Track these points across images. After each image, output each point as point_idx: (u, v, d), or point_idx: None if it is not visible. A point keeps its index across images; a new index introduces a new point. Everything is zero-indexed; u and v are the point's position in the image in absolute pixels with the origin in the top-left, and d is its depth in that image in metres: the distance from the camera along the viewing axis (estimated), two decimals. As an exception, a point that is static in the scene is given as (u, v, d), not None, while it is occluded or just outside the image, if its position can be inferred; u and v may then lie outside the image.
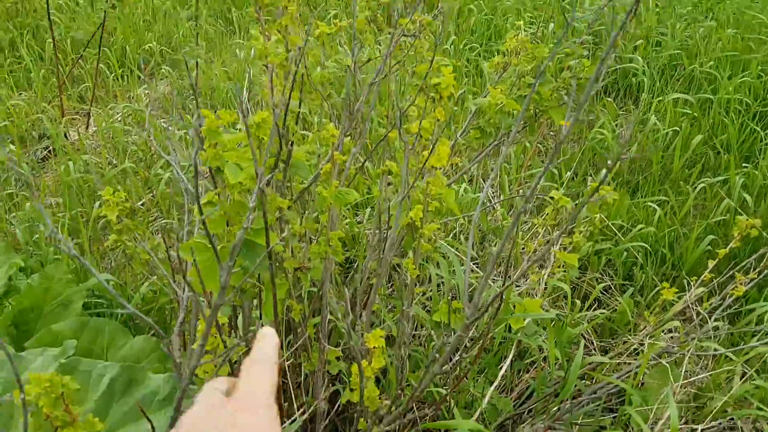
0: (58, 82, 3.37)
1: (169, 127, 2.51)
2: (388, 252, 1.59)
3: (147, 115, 1.74)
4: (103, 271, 1.96)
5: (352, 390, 1.18)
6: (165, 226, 2.41)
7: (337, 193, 1.27)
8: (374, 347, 1.09)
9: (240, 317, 1.57)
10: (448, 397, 1.55)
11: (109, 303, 1.94)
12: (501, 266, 2.32)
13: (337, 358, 1.58)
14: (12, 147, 2.94)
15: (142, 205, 2.62)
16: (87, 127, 3.33)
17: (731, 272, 1.76)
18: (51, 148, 3.13)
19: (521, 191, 2.80)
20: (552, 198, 1.73)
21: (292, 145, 1.35)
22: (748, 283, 1.70)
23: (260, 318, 1.38)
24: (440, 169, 1.40)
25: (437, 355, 1.26)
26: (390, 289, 2.17)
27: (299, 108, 1.30)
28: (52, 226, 0.75)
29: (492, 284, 1.90)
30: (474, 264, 2.33)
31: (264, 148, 1.20)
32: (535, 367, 2.04)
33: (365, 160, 1.43)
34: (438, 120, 1.40)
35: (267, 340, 0.56)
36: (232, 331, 1.50)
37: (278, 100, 1.12)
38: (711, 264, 1.75)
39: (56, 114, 3.30)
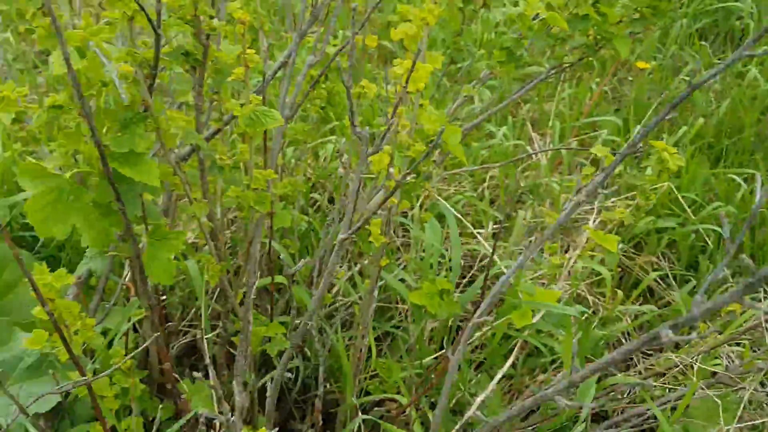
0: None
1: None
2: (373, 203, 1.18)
3: None
4: None
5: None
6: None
7: (254, 113, 0.86)
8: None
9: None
10: (407, 410, 1.16)
11: None
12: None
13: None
14: None
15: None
16: None
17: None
18: None
19: (575, 143, 2.29)
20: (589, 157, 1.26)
21: (208, 38, 0.94)
22: None
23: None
24: (420, 94, 0.96)
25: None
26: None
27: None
28: None
29: (501, 265, 1.47)
30: (494, 228, 1.89)
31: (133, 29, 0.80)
32: (556, 368, 1.61)
33: (321, 74, 1.01)
34: (427, 24, 0.95)
35: None
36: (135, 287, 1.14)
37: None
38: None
39: None
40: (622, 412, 1.37)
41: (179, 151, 1.05)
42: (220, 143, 1.07)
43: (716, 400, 1.19)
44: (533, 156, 2.14)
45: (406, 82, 0.90)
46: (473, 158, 2.10)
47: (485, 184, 2.07)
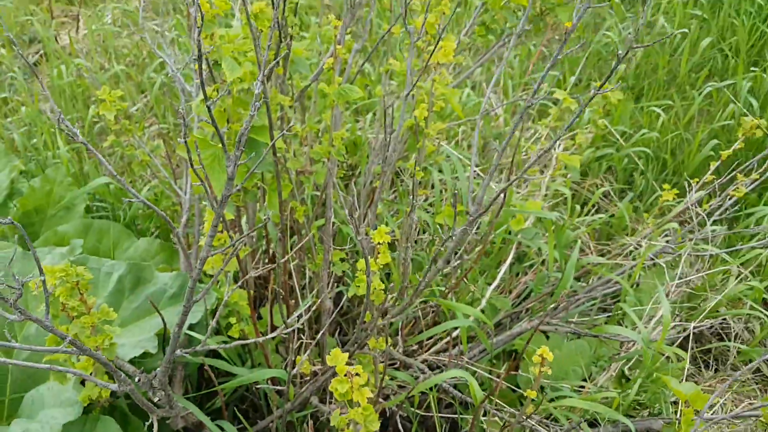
0: (43, -18, 3.23)
1: (161, 28, 2.43)
2: (392, 153, 1.58)
3: (140, 17, 1.67)
4: (102, 177, 1.96)
5: (358, 286, 1.20)
6: (162, 130, 2.37)
7: (340, 90, 1.25)
8: (380, 243, 1.10)
9: (244, 219, 1.59)
10: (449, 295, 1.58)
11: (111, 206, 1.95)
12: (503, 172, 2.31)
13: (342, 260, 1.60)
14: (2, 51, 2.85)
15: (136, 110, 2.58)
16: (77, 30, 3.22)
17: (733, 174, 1.76)
18: (42, 52, 3.05)
19: (524, 96, 2.75)
20: (555, 101, 1.70)
21: (291, 39, 1.31)
22: (750, 185, 1.70)
23: (267, 216, 1.39)
24: (445, 66, 1.37)
25: (441, 249, 1.27)
26: (393, 195, 2.18)
27: None
28: (58, 109, 0.73)
29: (494, 186, 1.90)
30: (476, 169, 2.32)
31: (263, 41, 1.16)
32: (534, 270, 2.07)
33: (366, 59, 1.39)
34: (443, 14, 1.35)
35: None
36: (237, 230, 1.51)
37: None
38: (713, 166, 1.75)
39: (45, 16, 3.18)
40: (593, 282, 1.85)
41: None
42: (298, 117, 1.45)
43: (662, 264, 1.67)
44: (494, 110, 2.58)
45: (431, 54, 1.30)
46: (449, 116, 2.52)
47: (458, 137, 2.50)
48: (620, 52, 0.96)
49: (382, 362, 1.26)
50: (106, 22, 3.19)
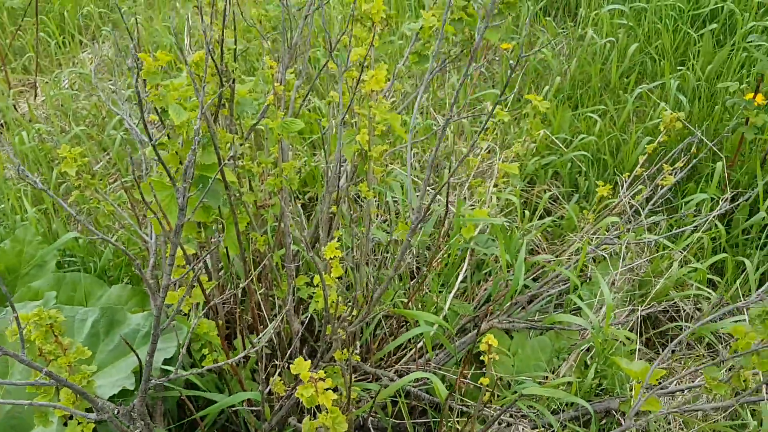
0: (-2, 55, 3.32)
1: (116, 87, 2.53)
2: (334, 176, 1.68)
3: (93, 78, 1.77)
4: (71, 232, 2.03)
5: (317, 301, 1.29)
6: (125, 183, 2.45)
7: (283, 123, 1.36)
8: (331, 258, 1.20)
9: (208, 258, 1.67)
10: (410, 304, 1.68)
11: (81, 260, 2.01)
12: (456, 188, 2.44)
13: (307, 284, 1.69)
14: (-39, 124, 2.92)
15: (99, 167, 2.66)
16: (35, 97, 3.30)
17: (659, 164, 1.90)
18: (1, 122, 3.12)
19: (470, 114, 2.89)
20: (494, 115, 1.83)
21: (234, 82, 1.41)
22: (678, 173, 1.84)
23: (226, 251, 1.48)
24: (382, 93, 1.49)
25: (388, 254, 1.37)
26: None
27: (235, 45, 1.36)
28: (17, 160, 0.82)
29: (430, 190, 2.02)
30: (428, 188, 2.44)
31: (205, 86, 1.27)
32: (492, 277, 2.18)
33: (307, 93, 1.51)
34: (372, 45, 1.48)
35: None
36: (201, 267, 1.59)
37: (214, 38, 1.19)
38: (642, 160, 1.89)
39: (2, 87, 3.26)
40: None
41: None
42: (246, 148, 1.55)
43: (605, 256, 1.79)
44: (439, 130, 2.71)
45: (357, 82, 1.42)
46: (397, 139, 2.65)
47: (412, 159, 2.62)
48: (512, 62, 1.08)
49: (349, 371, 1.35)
50: (63, 87, 3.28)
